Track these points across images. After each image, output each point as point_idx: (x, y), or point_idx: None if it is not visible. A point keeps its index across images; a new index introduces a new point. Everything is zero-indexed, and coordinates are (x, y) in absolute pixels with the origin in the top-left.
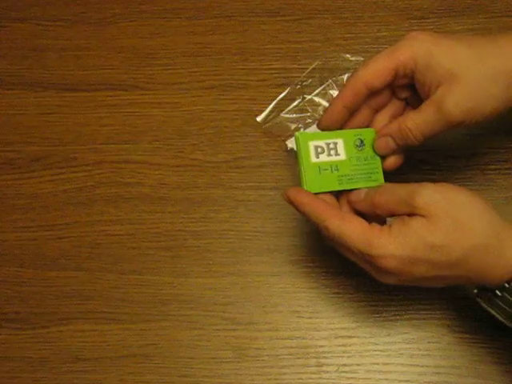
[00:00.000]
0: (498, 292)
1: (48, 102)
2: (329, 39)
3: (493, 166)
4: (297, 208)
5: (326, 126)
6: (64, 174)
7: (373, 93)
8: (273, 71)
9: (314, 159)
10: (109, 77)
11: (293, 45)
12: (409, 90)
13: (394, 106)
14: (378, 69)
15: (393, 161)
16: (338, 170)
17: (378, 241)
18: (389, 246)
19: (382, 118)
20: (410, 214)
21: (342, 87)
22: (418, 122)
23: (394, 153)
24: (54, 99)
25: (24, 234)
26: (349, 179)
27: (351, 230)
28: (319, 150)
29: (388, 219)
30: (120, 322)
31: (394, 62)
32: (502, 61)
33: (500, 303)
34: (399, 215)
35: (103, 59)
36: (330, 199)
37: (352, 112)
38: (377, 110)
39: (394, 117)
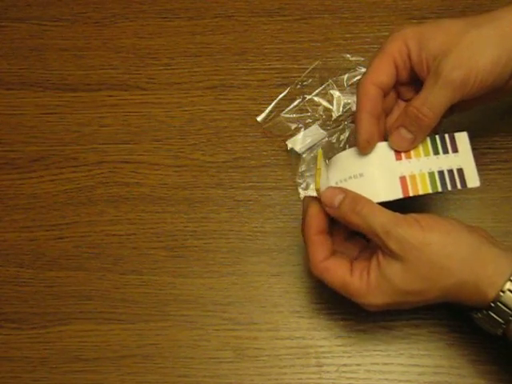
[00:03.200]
0: (479, 314)
1: (48, 101)
2: (329, 39)
3: (493, 166)
4: (303, 225)
5: (366, 143)
6: (64, 174)
7: (385, 92)
8: (273, 71)
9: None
10: (109, 77)
11: (293, 45)
12: (413, 89)
13: (400, 107)
14: (377, 65)
15: None
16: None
17: (357, 292)
18: (368, 296)
19: (390, 121)
20: (383, 251)
21: (356, 102)
22: (422, 99)
23: (415, 142)
24: (54, 99)
25: (24, 234)
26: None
27: (333, 280)
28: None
29: None
30: (120, 322)
31: (389, 54)
32: (494, 26)
33: (482, 323)
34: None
35: (103, 59)
36: (325, 240)
37: (379, 118)
38: (387, 114)
39: None
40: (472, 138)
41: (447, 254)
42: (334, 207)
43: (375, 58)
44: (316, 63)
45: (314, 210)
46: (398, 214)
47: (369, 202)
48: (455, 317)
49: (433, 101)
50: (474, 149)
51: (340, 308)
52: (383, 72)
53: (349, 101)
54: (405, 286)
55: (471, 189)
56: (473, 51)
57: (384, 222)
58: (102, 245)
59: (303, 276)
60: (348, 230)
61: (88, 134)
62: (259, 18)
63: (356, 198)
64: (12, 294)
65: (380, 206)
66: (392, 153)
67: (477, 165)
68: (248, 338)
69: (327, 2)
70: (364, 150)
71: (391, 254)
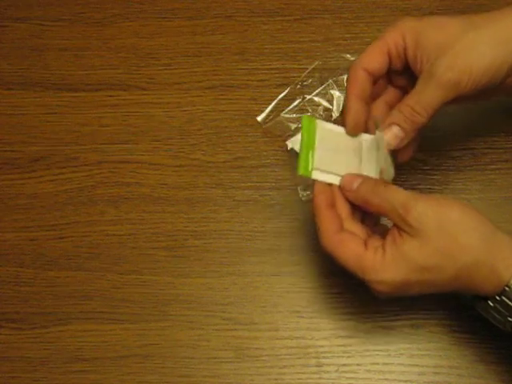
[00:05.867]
0: (490, 303)
1: (48, 101)
2: (329, 39)
3: (493, 166)
4: (313, 200)
5: (354, 125)
6: (64, 173)
7: (376, 78)
8: (273, 71)
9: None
10: (109, 77)
11: (293, 45)
12: (405, 77)
13: (389, 93)
14: (371, 52)
15: (406, 153)
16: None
17: (371, 267)
18: (382, 272)
19: (378, 105)
20: (400, 228)
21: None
22: (416, 97)
23: (405, 140)
24: (54, 99)
25: (24, 234)
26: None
27: (346, 252)
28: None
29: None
30: (120, 321)
31: (385, 44)
32: (491, 28)
33: (493, 312)
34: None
35: (103, 59)
36: (336, 215)
37: (367, 103)
38: (374, 99)
39: (389, 103)
40: (472, 138)
41: (467, 231)
42: (353, 190)
43: (370, 46)
44: (316, 63)
45: (321, 185)
46: (416, 192)
47: (387, 182)
48: (455, 317)
49: (426, 100)
50: (473, 149)
51: (340, 308)
52: (375, 60)
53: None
54: (421, 261)
55: (471, 189)
56: (467, 54)
57: (404, 198)
58: (101, 245)
59: (303, 276)
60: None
61: (88, 133)
62: (259, 18)
63: (374, 180)
64: (12, 294)
65: (397, 186)
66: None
67: (477, 165)
68: (248, 337)
69: (327, 1)
70: (351, 131)
71: (409, 231)
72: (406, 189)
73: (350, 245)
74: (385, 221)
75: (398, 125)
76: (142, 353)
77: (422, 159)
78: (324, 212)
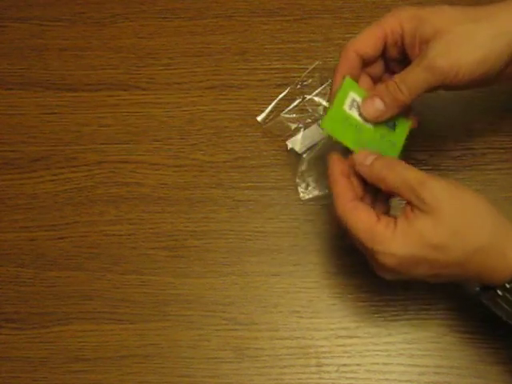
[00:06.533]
0: (499, 291)
1: (48, 102)
2: (329, 39)
3: (493, 166)
4: (328, 170)
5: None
6: (64, 174)
7: (366, 61)
8: (273, 71)
9: (346, 107)
10: (109, 77)
11: (293, 45)
12: (402, 65)
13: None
14: (366, 36)
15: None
16: (359, 132)
17: (381, 237)
18: (391, 244)
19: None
20: (413, 205)
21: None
22: (403, 76)
23: (386, 115)
24: (54, 99)
25: (24, 234)
26: (363, 145)
27: (358, 220)
28: (355, 104)
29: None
30: (120, 322)
31: (382, 29)
32: (489, 22)
33: (501, 302)
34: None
35: (103, 59)
36: (351, 184)
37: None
38: (375, 81)
39: None
40: (472, 138)
41: (480, 215)
42: (367, 164)
43: (366, 29)
44: (316, 63)
45: (336, 155)
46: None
47: (400, 160)
48: (455, 317)
49: (412, 80)
50: (473, 149)
51: (340, 308)
52: (368, 44)
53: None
54: (433, 238)
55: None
56: (463, 44)
57: (420, 175)
58: (102, 245)
59: (303, 276)
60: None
61: (88, 133)
62: (259, 18)
63: (388, 157)
64: (12, 294)
65: (411, 166)
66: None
67: (477, 165)
68: (248, 337)
69: (327, 1)
70: (328, 102)
71: (423, 207)
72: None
73: (363, 214)
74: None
75: (381, 98)
76: (142, 353)
77: (422, 159)
78: (340, 179)
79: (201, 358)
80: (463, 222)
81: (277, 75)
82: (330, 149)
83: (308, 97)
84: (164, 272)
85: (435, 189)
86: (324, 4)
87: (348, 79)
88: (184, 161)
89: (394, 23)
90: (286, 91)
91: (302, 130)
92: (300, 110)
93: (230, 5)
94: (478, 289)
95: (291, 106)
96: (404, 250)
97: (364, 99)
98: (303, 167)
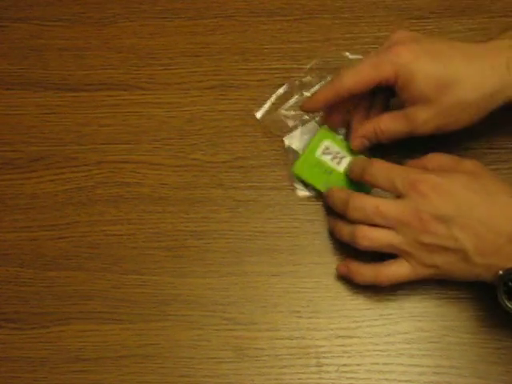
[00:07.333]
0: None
1: (48, 102)
2: (329, 39)
3: (493, 166)
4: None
5: (306, 109)
6: (64, 174)
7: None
8: (273, 71)
9: (318, 154)
10: (109, 77)
11: (293, 45)
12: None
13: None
14: (362, 79)
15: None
16: (330, 175)
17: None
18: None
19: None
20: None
21: (326, 85)
22: (389, 128)
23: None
24: (54, 99)
25: (24, 234)
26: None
27: None
28: (328, 150)
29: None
30: (120, 322)
31: (378, 76)
32: (487, 59)
33: None
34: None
35: (103, 59)
36: None
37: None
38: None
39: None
40: (472, 138)
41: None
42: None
43: (363, 71)
44: (314, 61)
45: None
46: None
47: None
48: (455, 317)
49: (397, 134)
50: (473, 149)
51: (340, 308)
52: (363, 87)
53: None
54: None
55: None
56: (448, 114)
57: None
58: (101, 245)
59: (303, 276)
60: None
61: (88, 134)
62: (259, 18)
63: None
64: (12, 294)
65: None
66: None
67: None
68: (248, 338)
69: (327, 1)
70: (302, 110)
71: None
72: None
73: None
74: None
75: (367, 139)
76: (142, 353)
77: None
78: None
79: (201, 358)
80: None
81: (277, 75)
82: None
83: (306, 94)
84: (164, 272)
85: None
86: (324, 4)
87: (323, 129)
88: (184, 161)
89: (392, 74)
90: (285, 87)
91: (299, 127)
92: (298, 107)
93: (230, 5)
94: (501, 272)
95: (290, 104)
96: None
97: (354, 137)
98: None
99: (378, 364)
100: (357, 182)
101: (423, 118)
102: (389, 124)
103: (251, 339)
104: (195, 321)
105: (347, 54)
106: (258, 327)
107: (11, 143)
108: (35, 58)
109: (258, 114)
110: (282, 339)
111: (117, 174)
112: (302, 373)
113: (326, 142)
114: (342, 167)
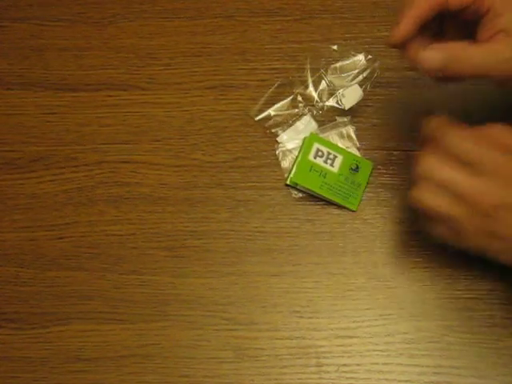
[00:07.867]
0: None
1: (48, 101)
2: (329, 39)
3: None
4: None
5: (394, 41)
6: (64, 174)
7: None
8: (273, 71)
9: (311, 157)
10: (109, 77)
11: (293, 45)
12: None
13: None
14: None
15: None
16: (325, 176)
17: None
18: None
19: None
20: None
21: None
22: (465, 56)
23: (429, 74)
24: (54, 99)
25: (24, 234)
26: (329, 189)
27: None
28: (319, 153)
29: None
30: (120, 321)
31: None
32: None
33: None
34: None
35: (103, 59)
36: None
37: (417, 32)
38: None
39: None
40: None
41: None
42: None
43: None
44: (308, 59)
45: None
46: None
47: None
48: (455, 317)
49: (468, 62)
50: None
51: (340, 308)
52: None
53: (341, 92)
54: None
55: None
56: None
57: None
58: (101, 245)
59: (303, 276)
60: None
61: (88, 133)
62: (259, 18)
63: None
64: (12, 294)
65: None
66: None
67: None
68: (248, 338)
69: (327, 1)
70: (390, 44)
71: None
72: (407, 190)
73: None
74: None
75: (440, 57)
76: (142, 353)
77: None
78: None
79: (201, 358)
80: None
81: (277, 75)
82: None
83: (300, 91)
84: (164, 272)
85: None
86: (324, 4)
87: (312, 135)
88: (184, 161)
89: None
90: (276, 85)
91: (294, 123)
92: (292, 104)
93: (230, 5)
94: None
95: (283, 102)
96: None
97: (425, 49)
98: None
99: (377, 364)
100: (351, 180)
101: (507, 55)
102: (467, 49)
103: (251, 339)
104: (195, 321)
105: (334, 47)
106: (258, 327)
107: (11, 143)
108: (35, 57)
109: (252, 113)
110: (282, 339)
111: (117, 173)
112: (302, 373)
113: (316, 145)
114: (335, 168)
